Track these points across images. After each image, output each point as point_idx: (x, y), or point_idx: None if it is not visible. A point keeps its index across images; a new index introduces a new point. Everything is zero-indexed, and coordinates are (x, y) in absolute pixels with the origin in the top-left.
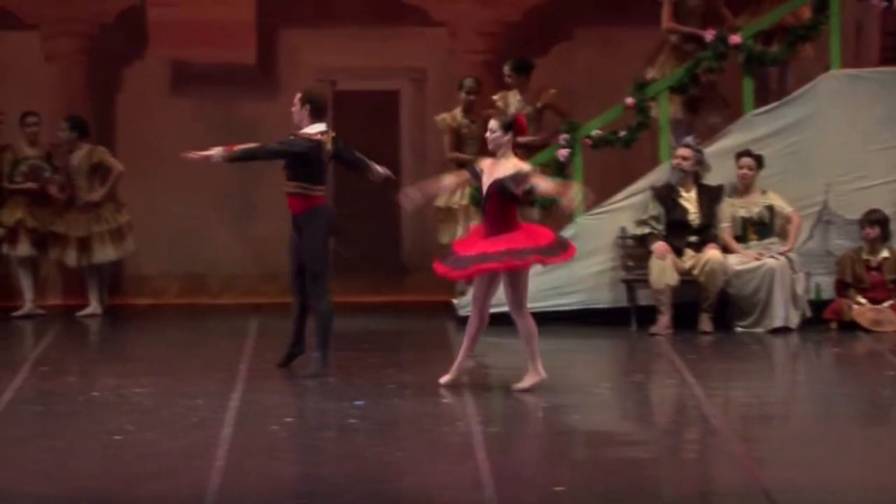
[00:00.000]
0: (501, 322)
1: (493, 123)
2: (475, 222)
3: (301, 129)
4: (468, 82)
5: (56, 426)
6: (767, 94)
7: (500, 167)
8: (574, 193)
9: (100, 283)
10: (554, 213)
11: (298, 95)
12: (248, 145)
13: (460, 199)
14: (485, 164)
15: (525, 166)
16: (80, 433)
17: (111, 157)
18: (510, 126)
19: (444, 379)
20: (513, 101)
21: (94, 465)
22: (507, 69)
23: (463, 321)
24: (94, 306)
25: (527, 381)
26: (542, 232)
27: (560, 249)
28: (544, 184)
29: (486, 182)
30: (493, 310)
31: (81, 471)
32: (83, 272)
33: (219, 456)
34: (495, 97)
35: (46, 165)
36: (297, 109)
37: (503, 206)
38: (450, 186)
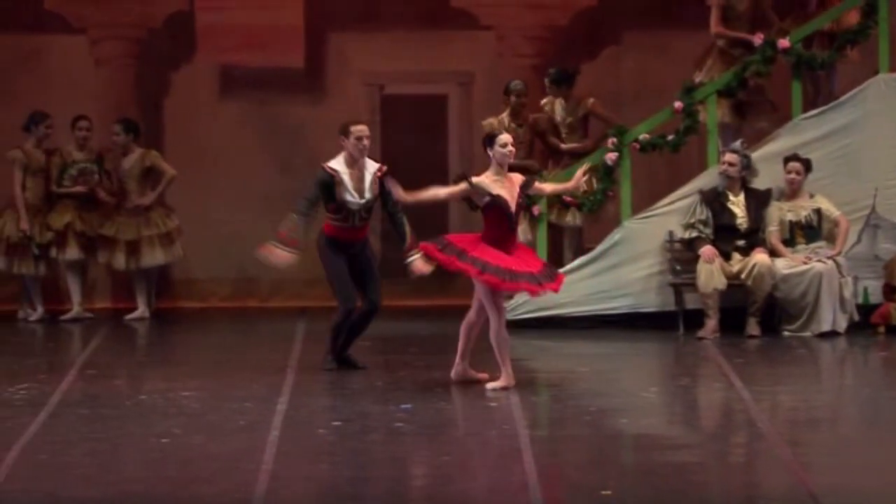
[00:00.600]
0: (550, 326)
1: (510, 138)
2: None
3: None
4: (515, 86)
5: (103, 429)
6: (816, 98)
7: (513, 182)
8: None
9: (147, 287)
10: (602, 216)
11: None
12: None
13: None
14: (491, 180)
15: (521, 176)
16: (127, 437)
17: (163, 161)
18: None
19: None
20: (559, 108)
21: (140, 469)
22: (546, 81)
23: (511, 325)
24: (142, 310)
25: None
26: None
27: (550, 278)
28: (549, 187)
29: (510, 197)
30: (535, 314)
31: (128, 474)
32: (131, 276)
33: (266, 460)
34: (543, 102)
35: (96, 169)
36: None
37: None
38: (441, 197)
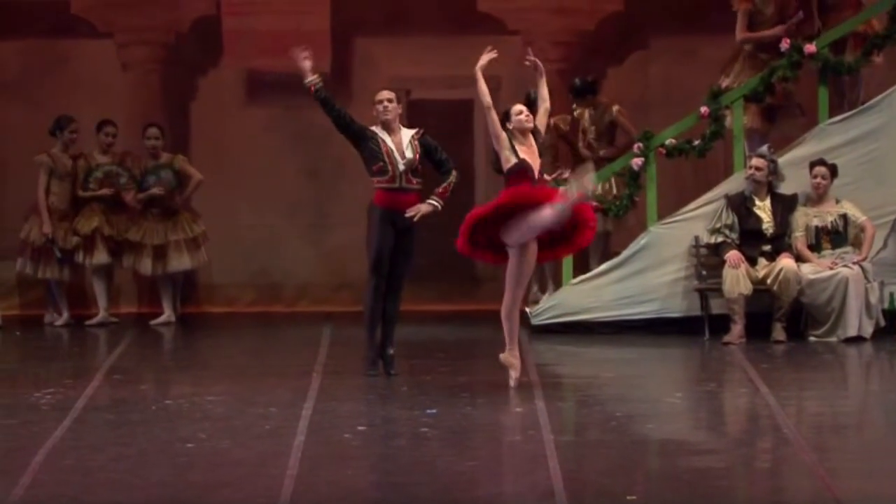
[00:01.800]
0: (575, 331)
1: (524, 108)
2: None
3: (401, 128)
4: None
5: (129, 434)
6: (843, 103)
7: (534, 148)
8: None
9: (173, 292)
10: (627, 221)
11: (393, 94)
12: (450, 179)
13: None
14: (517, 144)
15: None
16: (153, 441)
17: (190, 165)
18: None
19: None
20: (587, 115)
21: (166, 474)
22: (571, 95)
23: (536, 330)
24: (168, 314)
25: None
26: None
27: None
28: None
29: (534, 164)
30: (560, 319)
31: (153, 479)
32: (157, 280)
33: (291, 464)
34: (574, 107)
35: (122, 172)
36: (395, 106)
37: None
38: (484, 100)
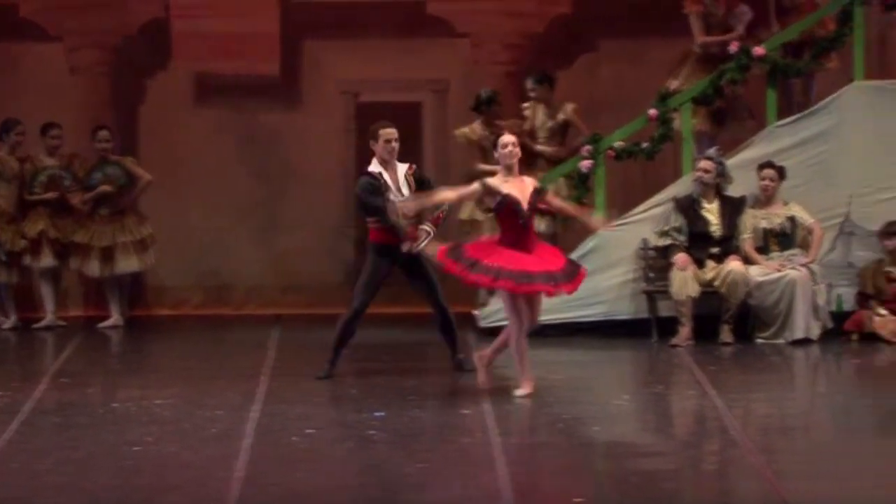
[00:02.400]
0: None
1: (512, 138)
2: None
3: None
4: (485, 94)
5: (76, 438)
6: (792, 106)
7: (524, 183)
8: (595, 216)
9: (121, 295)
10: (574, 224)
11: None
12: (443, 207)
13: (486, 211)
14: (500, 181)
15: (536, 182)
16: (100, 445)
17: (138, 166)
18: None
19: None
20: (540, 112)
21: (113, 477)
22: (529, 83)
23: (484, 332)
24: (115, 318)
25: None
26: (557, 253)
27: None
28: (558, 202)
29: (523, 198)
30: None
31: (101, 483)
32: (104, 283)
33: (239, 467)
34: (525, 106)
35: (66, 175)
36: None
37: (531, 222)
38: (452, 199)
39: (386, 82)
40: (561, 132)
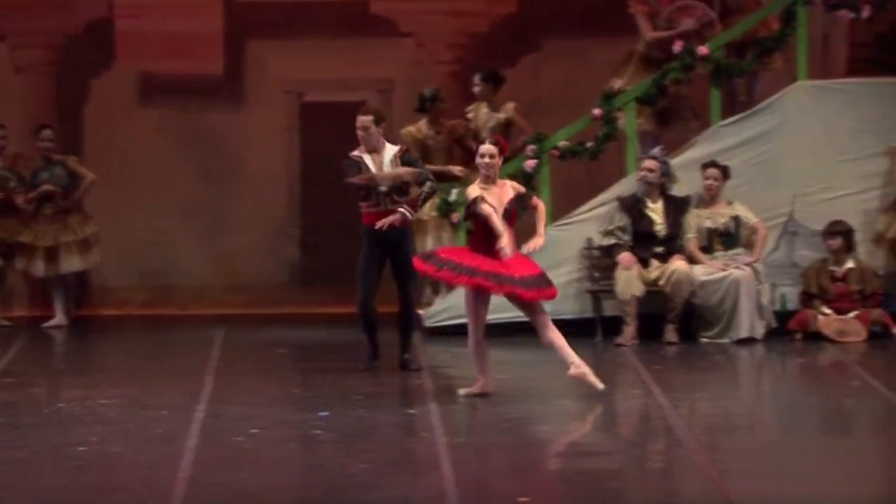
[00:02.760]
0: (464, 333)
1: (491, 149)
2: (445, 234)
3: (382, 146)
4: (428, 93)
5: (20, 438)
6: (735, 106)
7: (505, 188)
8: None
9: (66, 294)
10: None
11: (371, 118)
12: (424, 190)
13: (430, 210)
14: (479, 188)
15: (521, 187)
16: (45, 445)
17: (81, 166)
18: (501, 149)
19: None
20: (482, 113)
21: (58, 477)
22: (476, 79)
23: (428, 332)
24: (60, 317)
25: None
26: (529, 261)
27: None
28: (541, 208)
29: (497, 204)
30: (454, 321)
31: (46, 483)
32: (49, 283)
33: (183, 468)
34: (468, 108)
35: (11, 175)
36: (374, 130)
37: (512, 229)
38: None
39: (330, 82)
40: (503, 132)
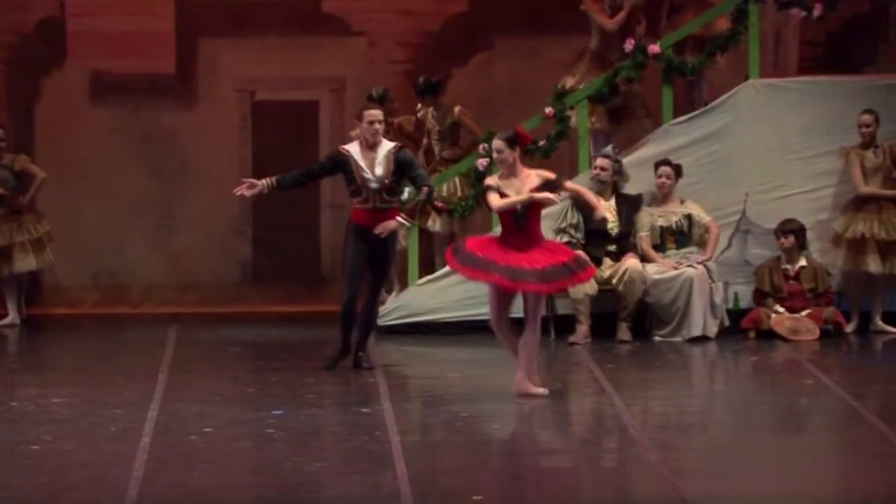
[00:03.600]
0: (421, 332)
1: (497, 143)
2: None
3: (381, 144)
4: (376, 93)
5: None
6: (696, 105)
7: (529, 178)
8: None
9: (18, 293)
10: (472, 222)
11: (380, 113)
12: (420, 197)
13: None
14: (500, 180)
15: (550, 174)
16: None
17: (33, 164)
18: (514, 141)
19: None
20: (430, 116)
21: (11, 476)
22: (414, 94)
23: (382, 331)
24: (12, 316)
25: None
26: (562, 248)
27: (581, 267)
28: (574, 186)
29: (517, 194)
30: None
31: None
32: (1, 282)
33: (137, 466)
34: (418, 108)
35: None
36: (380, 128)
37: (536, 219)
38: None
39: (282, 80)
40: (452, 134)
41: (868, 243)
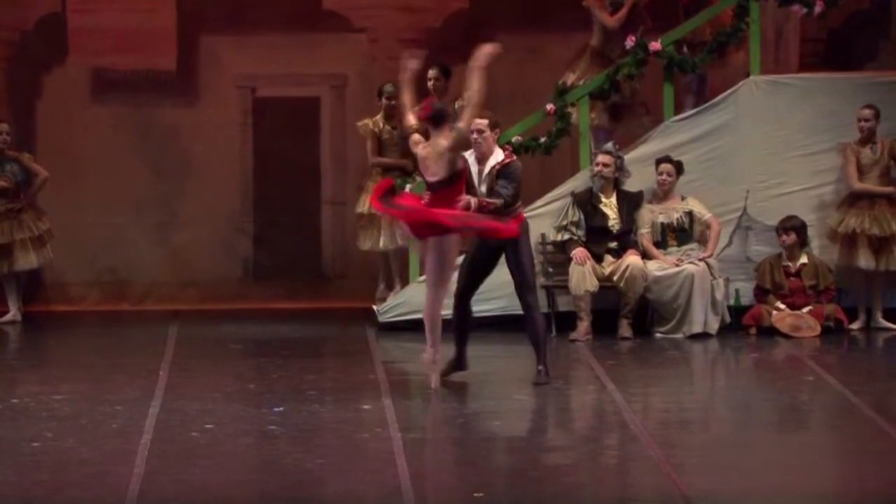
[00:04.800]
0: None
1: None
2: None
3: (492, 154)
4: (388, 88)
5: None
6: (702, 103)
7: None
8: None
9: (18, 290)
10: None
11: (486, 122)
12: (496, 201)
13: None
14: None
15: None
16: None
17: (35, 163)
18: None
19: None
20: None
21: (12, 473)
22: (434, 73)
23: (383, 328)
24: (13, 313)
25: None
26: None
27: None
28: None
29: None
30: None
31: None
32: (2, 279)
33: (138, 463)
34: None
35: None
36: (489, 135)
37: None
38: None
39: (283, 77)
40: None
41: (859, 239)
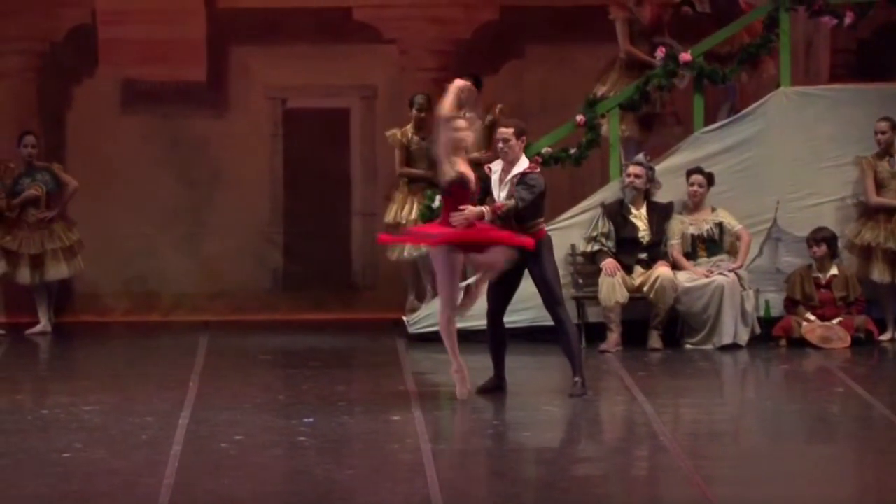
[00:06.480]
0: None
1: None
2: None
3: (517, 162)
4: (419, 99)
5: (4, 444)
6: (733, 113)
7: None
8: None
9: (49, 301)
10: None
11: (512, 130)
12: (509, 203)
13: (409, 214)
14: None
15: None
16: (29, 451)
17: (65, 173)
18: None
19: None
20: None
21: (42, 485)
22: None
23: (413, 339)
24: (43, 324)
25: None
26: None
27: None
28: None
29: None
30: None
31: (29, 490)
32: (33, 290)
33: (168, 474)
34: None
35: None
36: (514, 143)
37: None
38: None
39: (313, 88)
40: (488, 136)
41: (874, 252)
